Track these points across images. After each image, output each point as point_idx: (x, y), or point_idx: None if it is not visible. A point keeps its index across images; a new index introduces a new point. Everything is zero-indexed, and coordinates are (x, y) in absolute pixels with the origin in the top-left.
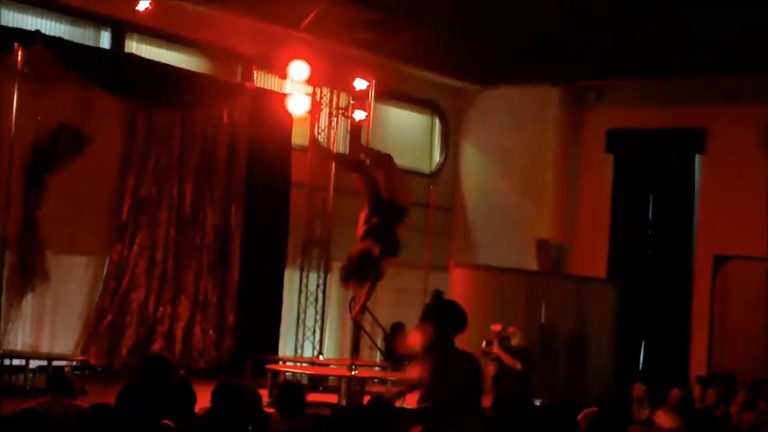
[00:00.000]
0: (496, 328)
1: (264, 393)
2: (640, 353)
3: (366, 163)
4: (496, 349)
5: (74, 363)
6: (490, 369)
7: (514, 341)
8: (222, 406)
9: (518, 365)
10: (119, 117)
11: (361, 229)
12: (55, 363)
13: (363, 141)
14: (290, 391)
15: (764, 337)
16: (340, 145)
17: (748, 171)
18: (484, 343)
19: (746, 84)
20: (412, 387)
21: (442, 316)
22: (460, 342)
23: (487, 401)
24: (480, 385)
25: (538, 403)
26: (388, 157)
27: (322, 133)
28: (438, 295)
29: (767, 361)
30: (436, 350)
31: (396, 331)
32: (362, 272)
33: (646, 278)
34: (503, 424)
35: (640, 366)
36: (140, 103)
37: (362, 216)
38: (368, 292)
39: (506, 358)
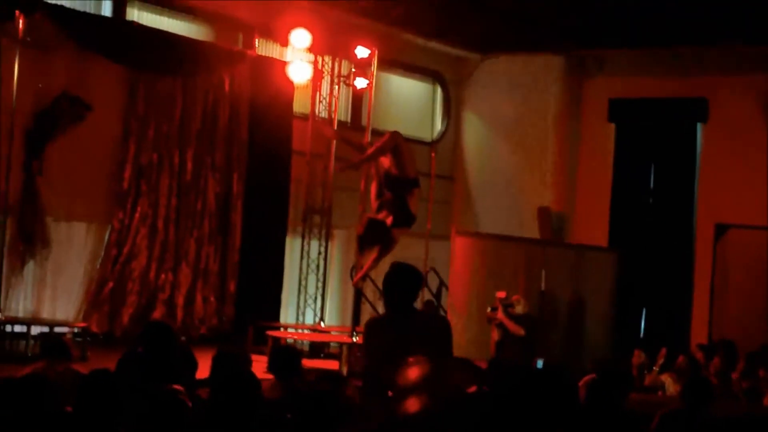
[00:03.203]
0: (501, 294)
1: (265, 360)
2: (641, 321)
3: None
4: (500, 315)
5: (75, 330)
6: (494, 335)
7: (519, 308)
8: (221, 373)
9: (521, 331)
10: (120, 84)
11: (374, 203)
12: (57, 329)
13: (365, 110)
14: (285, 356)
15: (764, 305)
16: (342, 113)
17: (750, 140)
18: (489, 309)
19: (748, 53)
20: None
21: (400, 281)
22: (461, 308)
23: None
24: (448, 343)
25: (540, 363)
26: (393, 137)
27: (324, 101)
28: (395, 264)
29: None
30: (399, 315)
31: None
32: (372, 238)
33: (647, 247)
34: (499, 386)
35: (641, 334)
36: (141, 71)
37: (373, 190)
38: (375, 259)
39: (510, 325)
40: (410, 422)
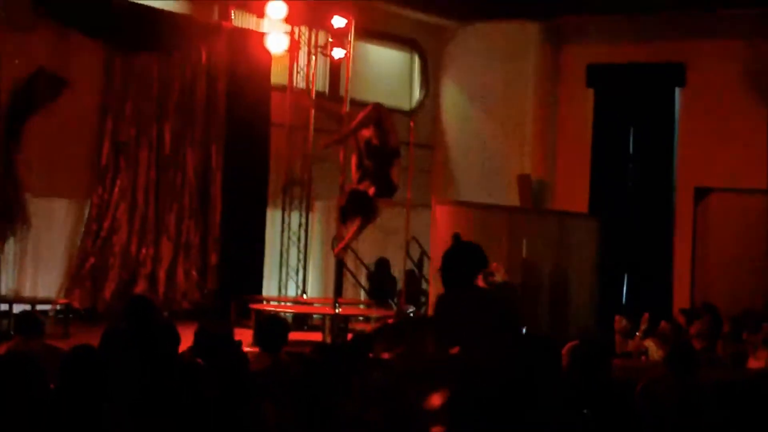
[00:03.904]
0: None
1: (248, 333)
2: (623, 287)
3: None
4: (480, 284)
5: (58, 306)
6: None
7: (498, 277)
8: (204, 348)
9: None
10: (97, 60)
11: (355, 174)
12: (39, 307)
13: (343, 80)
14: (271, 326)
15: (745, 268)
16: (320, 83)
17: (727, 104)
18: None
19: (724, 18)
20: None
21: (462, 257)
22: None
23: None
24: (502, 318)
25: (523, 331)
26: (376, 110)
27: (301, 71)
28: (457, 237)
29: (753, 292)
30: (456, 289)
31: (380, 268)
32: (354, 209)
33: (628, 212)
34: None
35: (623, 300)
36: (118, 46)
37: (353, 160)
38: (357, 230)
39: None
40: None
